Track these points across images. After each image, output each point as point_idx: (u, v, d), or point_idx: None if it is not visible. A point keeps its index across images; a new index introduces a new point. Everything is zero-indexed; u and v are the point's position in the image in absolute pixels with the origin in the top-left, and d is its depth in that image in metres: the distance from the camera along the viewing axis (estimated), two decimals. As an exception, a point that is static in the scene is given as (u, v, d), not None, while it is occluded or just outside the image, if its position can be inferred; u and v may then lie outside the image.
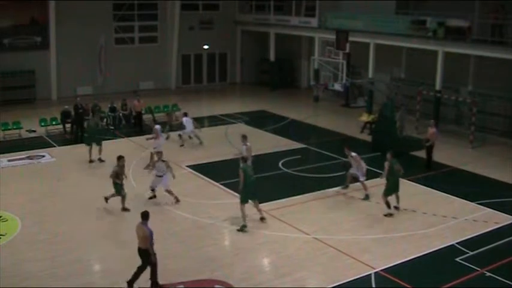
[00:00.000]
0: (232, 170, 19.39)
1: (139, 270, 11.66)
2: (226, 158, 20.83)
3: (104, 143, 23.23)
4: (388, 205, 15.76)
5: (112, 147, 22.73)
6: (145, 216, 11.62)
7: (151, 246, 11.51)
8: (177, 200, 16.46)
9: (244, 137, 18.21)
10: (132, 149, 22.19)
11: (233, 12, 37.21)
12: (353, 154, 17.50)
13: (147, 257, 11.51)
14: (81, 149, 22.60)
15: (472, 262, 13.13)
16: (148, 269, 11.70)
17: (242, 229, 14.63)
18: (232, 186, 17.81)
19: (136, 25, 34.15)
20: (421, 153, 20.96)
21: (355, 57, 29.20)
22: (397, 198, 16.12)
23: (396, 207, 16.05)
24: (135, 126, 25.48)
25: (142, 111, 26.56)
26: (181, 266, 12.87)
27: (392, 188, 15.91)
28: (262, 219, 15.21)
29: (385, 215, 15.68)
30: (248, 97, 33.71)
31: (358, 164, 17.35)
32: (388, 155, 15.94)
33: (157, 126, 20.41)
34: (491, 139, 24.07)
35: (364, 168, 17.43)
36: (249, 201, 14.92)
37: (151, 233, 11.49)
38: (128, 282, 11.65)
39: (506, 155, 21.83)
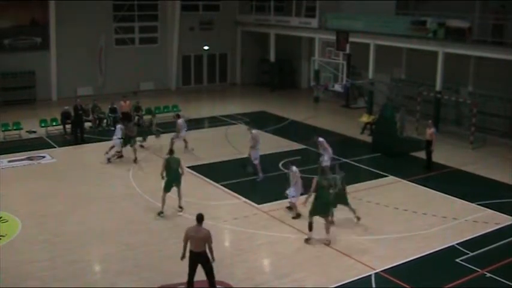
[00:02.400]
0: (232, 170, 19.49)
1: (211, 275, 11.37)
2: (226, 159, 20.85)
3: (104, 144, 23.32)
4: (310, 227, 13.88)
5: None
6: (200, 218, 11.30)
7: (210, 247, 11.25)
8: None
9: (250, 125, 19.71)
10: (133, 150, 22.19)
11: (233, 13, 37.21)
12: (320, 139, 18.09)
13: (208, 258, 11.23)
14: (82, 149, 22.68)
15: (472, 263, 13.13)
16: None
17: (159, 214, 15.63)
18: (233, 187, 17.87)
19: (137, 26, 34.16)
20: (421, 154, 20.96)
21: (356, 58, 29.22)
22: (353, 212, 14.94)
23: (358, 218, 15.05)
24: None
25: (142, 112, 26.59)
26: (181, 267, 12.83)
27: (317, 209, 13.88)
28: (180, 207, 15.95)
29: (305, 240, 14.05)
30: (248, 98, 33.71)
31: (324, 148, 18.02)
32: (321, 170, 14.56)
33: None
34: (491, 140, 24.07)
35: (331, 152, 18.05)
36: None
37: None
38: None
39: (507, 156, 21.83)
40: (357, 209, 15.48)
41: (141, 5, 34.01)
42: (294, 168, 15.60)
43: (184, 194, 17.20)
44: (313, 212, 13.91)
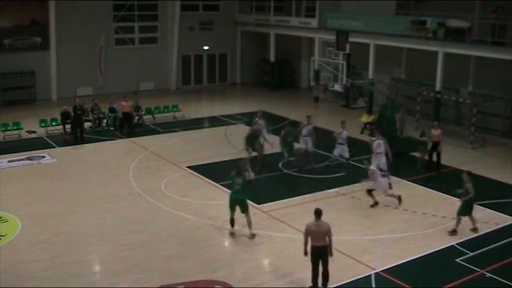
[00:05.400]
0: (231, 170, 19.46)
1: (327, 270, 11.67)
2: (226, 159, 20.83)
3: (103, 143, 23.38)
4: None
5: (112, 148, 22.82)
6: (320, 213, 11.57)
7: (331, 240, 11.59)
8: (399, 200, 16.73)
9: (343, 122, 20.29)
10: (132, 150, 22.21)
11: (233, 13, 37.23)
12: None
13: (327, 252, 11.56)
14: (82, 149, 22.67)
15: (472, 263, 13.13)
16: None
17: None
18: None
19: (137, 26, 34.17)
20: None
21: (355, 58, 29.21)
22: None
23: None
24: (122, 128, 24.84)
25: (142, 112, 26.61)
26: (181, 267, 12.88)
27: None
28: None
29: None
30: (248, 98, 33.70)
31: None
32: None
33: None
34: (491, 140, 24.07)
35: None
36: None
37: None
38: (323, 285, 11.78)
39: (507, 156, 21.81)
40: (358, 209, 15.50)
41: (141, 5, 34.00)
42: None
43: (184, 193, 17.27)
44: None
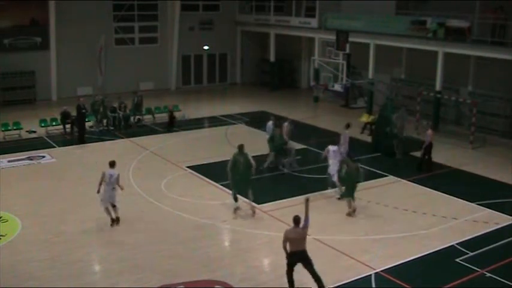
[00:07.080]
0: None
1: (315, 272, 11.49)
2: (226, 159, 20.80)
3: (103, 143, 23.35)
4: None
5: (112, 148, 22.82)
6: (298, 220, 11.32)
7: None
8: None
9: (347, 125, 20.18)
10: (132, 150, 22.20)
11: (233, 13, 37.24)
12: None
13: (307, 256, 11.45)
14: (82, 149, 22.66)
15: (472, 263, 13.12)
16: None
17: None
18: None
19: (137, 26, 34.18)
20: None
21: (355, 57, 29.21)
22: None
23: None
24: (171, 126, 25.61)
25: (143, 112, 26.62)
26: (181, 267, 12.88)
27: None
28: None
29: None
30: (248, 98, 33.72)
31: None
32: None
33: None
34: (491, 140, 24.08)
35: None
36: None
37: None
38: None
39: (507, 156, 21.81)
40: (358, 209, 15.50)
41: (141, 5, 34.00)
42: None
43: (184, 193, 17.27)
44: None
